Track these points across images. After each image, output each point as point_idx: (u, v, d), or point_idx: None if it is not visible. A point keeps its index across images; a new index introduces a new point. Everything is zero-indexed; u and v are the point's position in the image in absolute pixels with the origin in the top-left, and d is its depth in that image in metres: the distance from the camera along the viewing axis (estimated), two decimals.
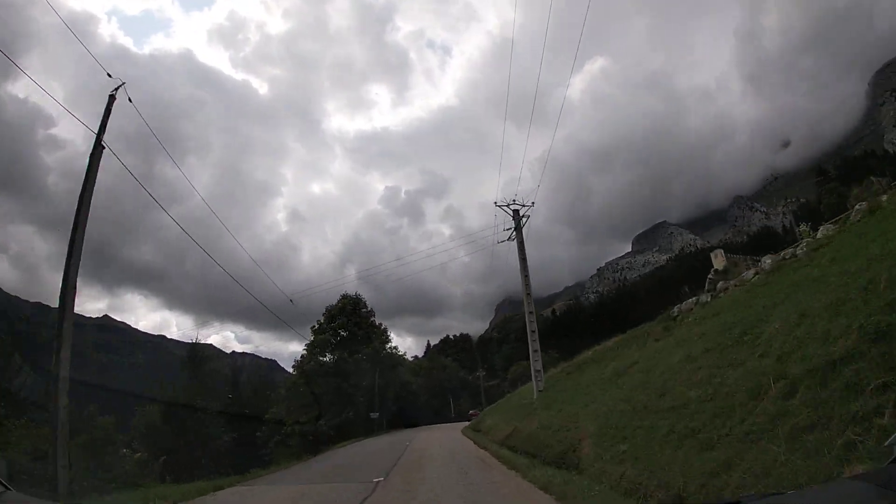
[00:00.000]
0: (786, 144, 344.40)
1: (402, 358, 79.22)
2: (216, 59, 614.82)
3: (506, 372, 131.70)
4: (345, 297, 71.16)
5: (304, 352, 65.33)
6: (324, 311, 70.01)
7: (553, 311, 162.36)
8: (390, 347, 76.14)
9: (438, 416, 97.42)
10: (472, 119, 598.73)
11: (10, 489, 3.57)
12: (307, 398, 53.04)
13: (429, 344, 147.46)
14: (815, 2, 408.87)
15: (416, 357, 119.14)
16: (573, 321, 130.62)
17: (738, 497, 4.48)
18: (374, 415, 62.21)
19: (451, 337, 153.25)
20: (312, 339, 64.83)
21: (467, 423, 56.01)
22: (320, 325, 67.56)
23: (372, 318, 73.87)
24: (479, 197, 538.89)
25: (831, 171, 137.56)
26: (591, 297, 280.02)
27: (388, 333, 76.48)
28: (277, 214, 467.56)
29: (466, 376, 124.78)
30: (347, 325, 68.00)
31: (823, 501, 2.85)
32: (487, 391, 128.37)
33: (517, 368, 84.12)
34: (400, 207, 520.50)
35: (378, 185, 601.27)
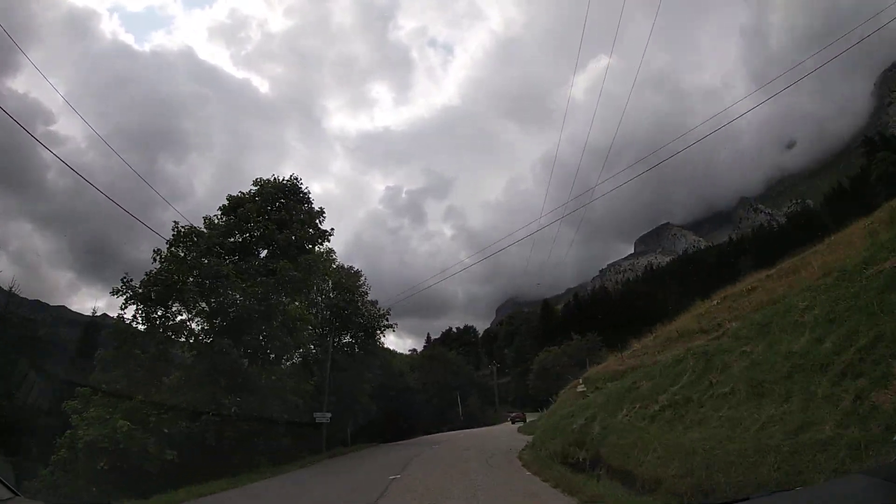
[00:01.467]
0: (791, 145, 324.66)
1: (384, 319, 44.23)
2: (217, 56, 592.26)
3: (518, 366, 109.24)
4: (265, 182, 34.81)
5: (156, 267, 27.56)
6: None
7: (575, 295, 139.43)
8: (364, 304, 42.92)
9: (442, 420, 74.28)
10: (474, 119, 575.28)
11: (17, 494, 3.23)
12: (137, 370, 24.21)
13: (429, 336, 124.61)
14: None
15: (413, 350, 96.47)
16: (608, 305, 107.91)
17: (747, 494, 4.09)
18: (323, 417, 33.53)
19: (453, 329, 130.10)
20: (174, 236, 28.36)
21: (496, 430, 35.10)
22: (210, 224, 31.49)
23: (320, 220, 36.18)
24: (481, 197, 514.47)
25: (880, 141, 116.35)
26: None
27: (362, 278, 44.67)
28: None
29: (473, 371, 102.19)
30: (266, 230, 32.14)
31: (832, 497, 2.77)
32: (499, 389, 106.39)
33: (545, 356, 61.67)
34: (401, 207, 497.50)
35: (379, 184, 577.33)
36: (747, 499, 3.18)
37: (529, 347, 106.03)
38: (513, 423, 71.46)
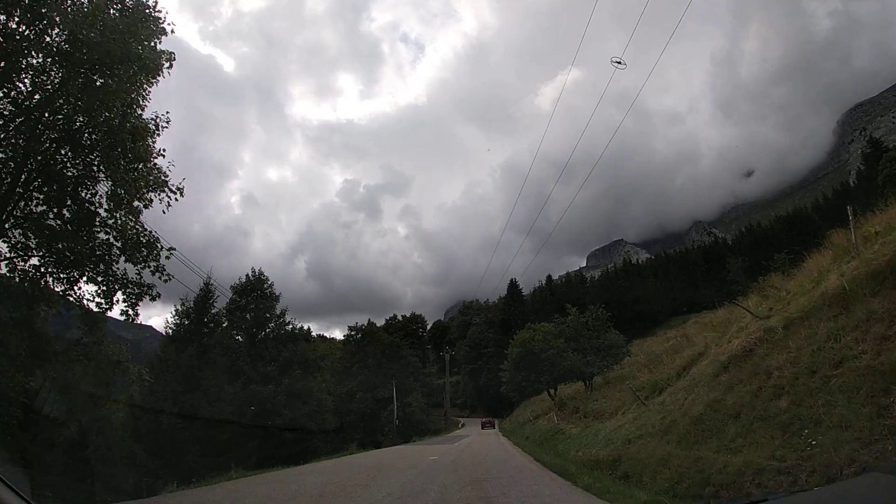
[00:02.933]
0: (749, 174, 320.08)
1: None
2: (184, 29, 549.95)
3: (474, 362, 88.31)
4: None
5: None
6: None
7: (548, 278, 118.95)
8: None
9: (369, 427, 52.08)
10: (438, 120, 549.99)
11: None
12: None
13: (370, 322, 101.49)
14: (795, 33, 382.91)
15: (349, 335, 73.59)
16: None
17: (766, 495, 4.09)
18: None
19: (398, 318, 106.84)
20: None
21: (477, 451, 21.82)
22: None
23: None
24: (438, 198, 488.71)
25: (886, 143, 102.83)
26: None
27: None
28: (231, 197, 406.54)
29: (419, 365, 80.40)
30: None
31: (851, 496, 2.67)
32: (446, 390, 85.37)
33: (529, 336, 41.01)
34: (357, 201, 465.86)
35: (337, 176, 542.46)
36: (765, 500, 3.01)
37: (490, 340, 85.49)
38: (483, 427, 63.42)
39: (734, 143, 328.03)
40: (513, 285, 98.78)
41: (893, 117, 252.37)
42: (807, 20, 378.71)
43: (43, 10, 11.57)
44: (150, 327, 62.13)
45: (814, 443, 6.49)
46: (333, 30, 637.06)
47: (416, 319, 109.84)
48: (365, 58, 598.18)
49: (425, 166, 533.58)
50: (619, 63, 14.98)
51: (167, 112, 14.51)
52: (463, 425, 78.64)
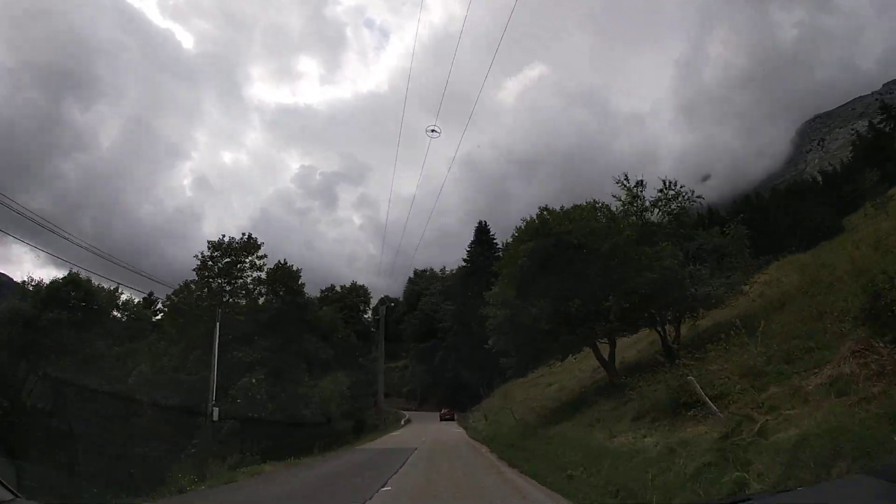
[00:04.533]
0: (706, 178, 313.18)
1: None
2: (144, 0, 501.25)
3: (426, 339, 69.92)
4: None
5: None
6: None
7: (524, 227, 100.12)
8: None
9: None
10: (400, 110, 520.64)
11: (18, 496, 2.98)
12: None
13: (247, 235, 78.84)
14: (760, 42, 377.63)
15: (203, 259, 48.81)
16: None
17: (749, 494, 4.04)
18: None
19: (337, 289, 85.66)
20: None
21: None
22: None
23: None
24: (396, 188, 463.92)
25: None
26: None
27: None
28: (184, 179, 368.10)
29: (358, 343, 61.21)
30: None
31: (834, 497, 2.62)
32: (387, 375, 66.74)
33: (555, 216, 21.48)
34: (313, 188, 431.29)
35: (293, 162, 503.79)
36: (749, 499, 2.99)
37: (446, 313, 66.81)
38: (441, 419, 58.80)
39: (693, 147, 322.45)
40: (481, 229, 74.20)
41: (851, 129, 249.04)
42: (772, 29, 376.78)
43: None
44: None
45: None
46: (298, 10, 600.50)
47: (357, 291, 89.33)
48: (328, 42, 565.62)
49: (384, 156, 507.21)
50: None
51: None
52: (408, 421, 59.11)
